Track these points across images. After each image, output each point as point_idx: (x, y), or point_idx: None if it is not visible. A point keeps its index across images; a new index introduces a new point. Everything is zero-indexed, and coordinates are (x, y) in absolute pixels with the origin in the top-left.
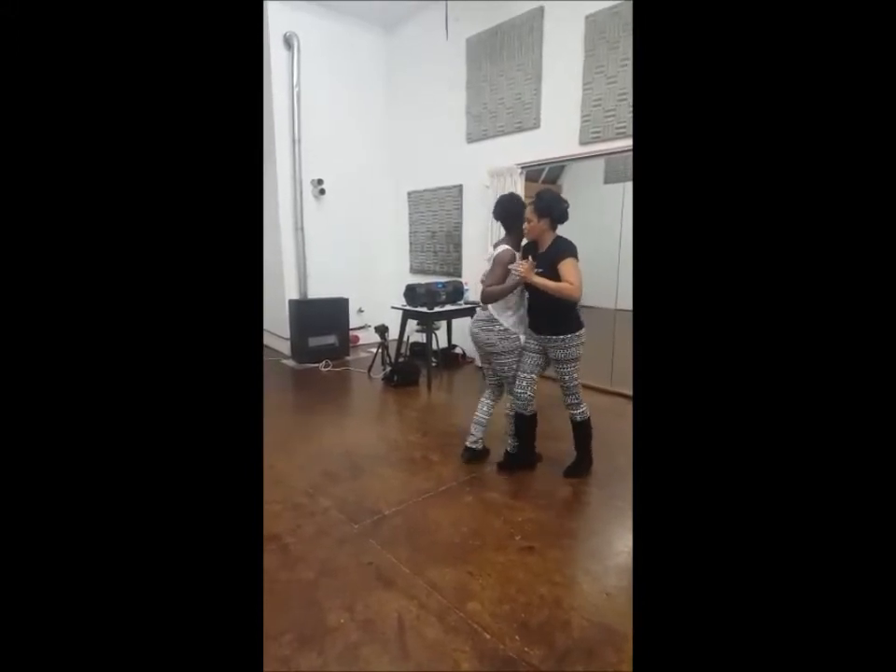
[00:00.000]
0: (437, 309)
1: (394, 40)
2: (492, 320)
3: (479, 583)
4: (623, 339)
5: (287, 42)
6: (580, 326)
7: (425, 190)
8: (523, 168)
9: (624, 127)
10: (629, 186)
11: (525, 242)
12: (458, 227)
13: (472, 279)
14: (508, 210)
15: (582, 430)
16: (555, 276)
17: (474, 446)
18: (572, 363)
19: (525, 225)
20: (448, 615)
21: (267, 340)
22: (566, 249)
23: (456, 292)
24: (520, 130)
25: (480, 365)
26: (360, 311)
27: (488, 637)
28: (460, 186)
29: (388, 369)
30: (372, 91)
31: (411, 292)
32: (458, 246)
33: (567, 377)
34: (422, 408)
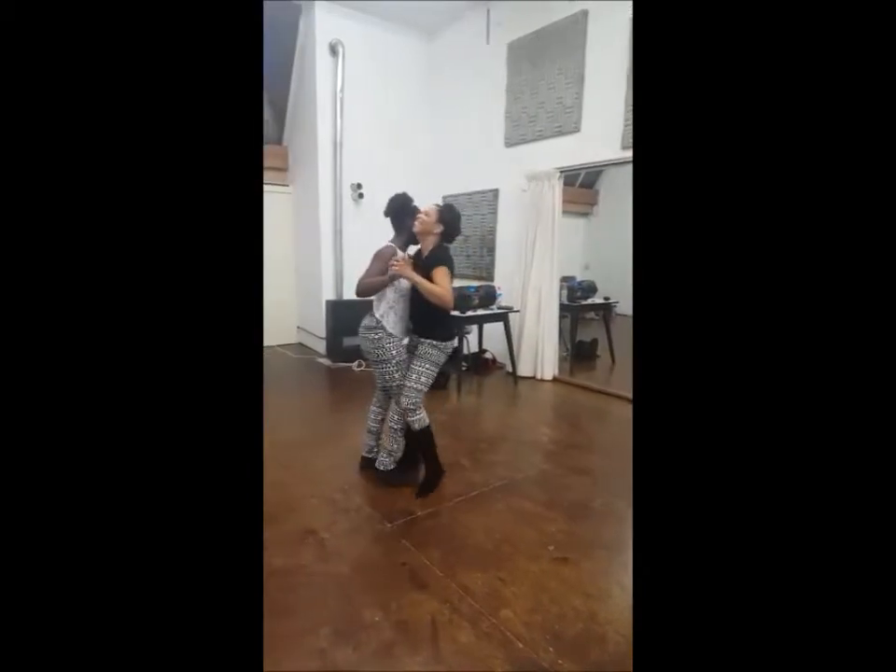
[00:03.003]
0: (469, 313)
1: (435, 45)
2: (371, 328)
3: (511, 591)
4: None
5: (333, 49)
6: (450, 337)
7: (460, 194)
8: (562, 172)
9: None
10: None
11: (414, 249)
12: (492, 231)
13: (505, 283)
14: (397, 208)
15: (426, 437)
16: (430, 282)
17: (369, 455)
18: (428, 364)
19: (421, 217)
20: (481, 621)
21: (305, 339)
22: (443, 259)
23: (488, 296)
24: (560, 134)
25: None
26: None
27: (521, 645)
28: (496, 190)
29: None
30: (413, 95)
31: None
32: (492, 251)
33: (417, 376)
34: (451, 412)
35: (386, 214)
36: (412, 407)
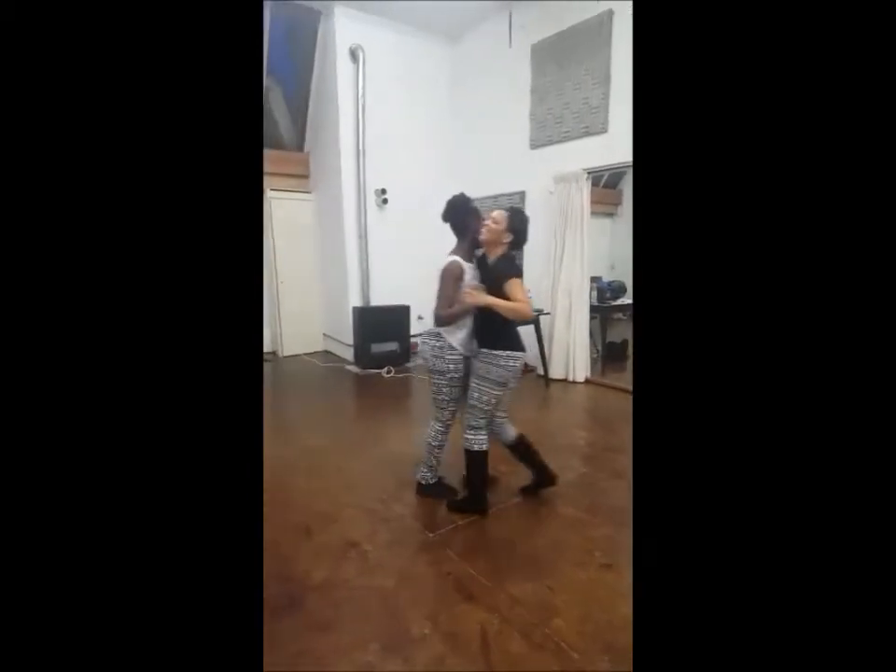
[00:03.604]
0: None
1: (458, 49)
2: (434, 334)
3: (561, 600)
4: None
5: (353, 55)
6: (517, 346)
7: (486, 198)
8: (589, 173)
9: None
10: None
11: (479, 251)
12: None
13: (534, 286)
14: (459, 211)
15: (476, 462)
16: (499, 292)
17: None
18: (489, 383)
19: (489, 224)
20: (532, 631)
21: (331, 346)
22: (514, 269)
23: None
24: (587, 134)
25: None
26: (420, 318)
27: (577, 656)
28: (522, 192)
29: None
30: (436, 99)
31: None
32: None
33: (478, 395)
34: None
35: (446, 218)
36: (474, 424)
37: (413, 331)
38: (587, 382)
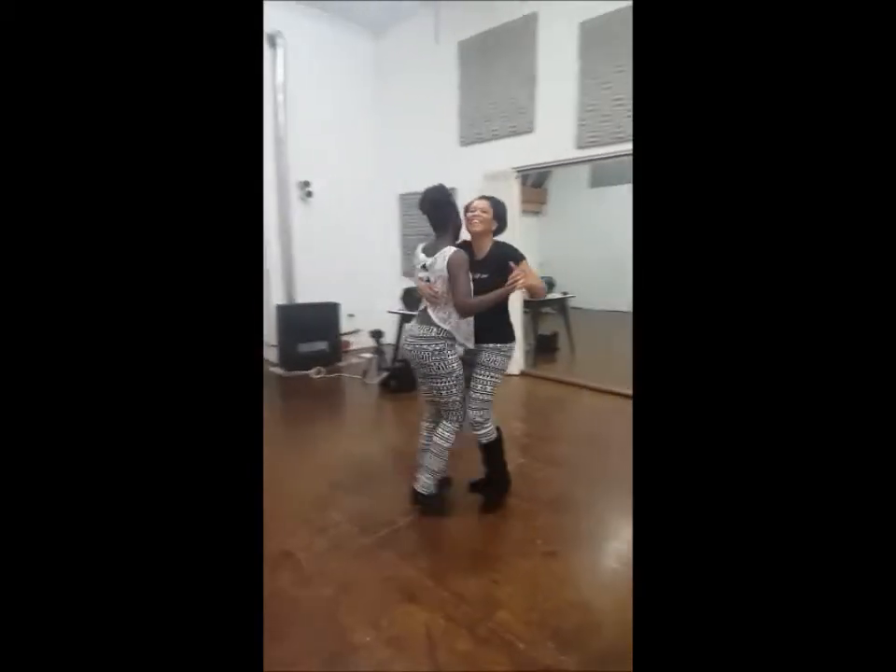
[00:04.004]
0: None
1: (384, 43)
2: (428, 338)
3: (505, 592)
4: (618, 340)
5: (272, 40)
6: (514, 337)
7: (417, 193)
8: (519, 172)
9: (621, 131)
10: (617, 189)
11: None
12: None
13: None
14: (440, 203)
15: (497, 450)
16: (502, 281)
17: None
18: (493, 372)
19: (479, 214)
20: (478, 626)
21: None
22: (517, 252)
23: None
24: (514, 133)
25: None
26: (351, 315)
27: (522, 646)
28: (454, 189)
29: (385, 374)
30: (362, 92)
31: (408, 296)
32: None
33: (483, 386)
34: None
35: (426, 210)
36: (480, 420)
37: (343, 329)
38: (522, 374)
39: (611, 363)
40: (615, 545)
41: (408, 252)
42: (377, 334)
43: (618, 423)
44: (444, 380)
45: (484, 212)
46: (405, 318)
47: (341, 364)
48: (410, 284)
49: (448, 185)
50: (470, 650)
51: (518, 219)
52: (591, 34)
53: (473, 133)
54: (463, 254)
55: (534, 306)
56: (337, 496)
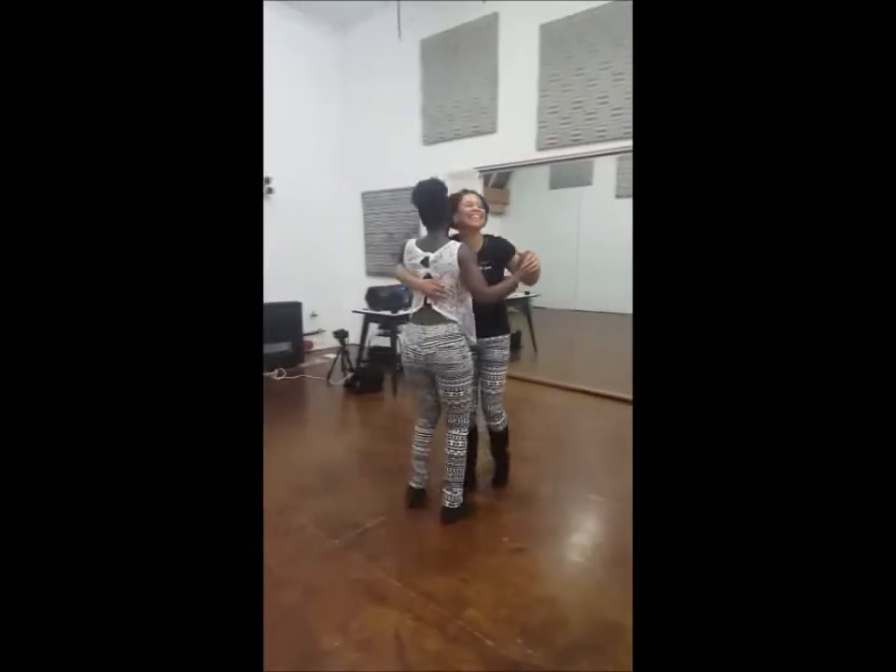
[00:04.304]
0: (401, 312)
1: (346, 38)
2: (453, 335)
3: (474, 589)
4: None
5: None
6: (509, 329)
7: (381, 191)
8: (481, 172)
9: (580, 134)
10: (575, 191)
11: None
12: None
13: None
14: (437, 196)
15: (503, 439)
16: (501, 273)
17: (420, 486)
18: (503, 367)
19: (478, 209)
20: (447, 625)
21: None
22: (510, 244)
23: None
24: (477, 133)
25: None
26: (314, 315)
27: (490, 643)
28: None
29: (350, 375)
30: (323, 88)
31: (373, 296)
32: None
33: (498, 381)
34: (390, 414)
35: (420, 202)
36: (498, 412)
37: (305, 329)
38: None
39: (574, 361)
40: (579, 540)
41: (371, 250)
42: (341, 334)
43: (581, 420)
44: (465, 379)
45: (478, 206)
46: (370, 318)
47: (304, 365)
48: (374, 283)
49: (411, 183)
50: (440, 649)
51: None
52: (551, 36)
53: (436, 132)
54: (468, 246)
55: None
56: (302, 499)
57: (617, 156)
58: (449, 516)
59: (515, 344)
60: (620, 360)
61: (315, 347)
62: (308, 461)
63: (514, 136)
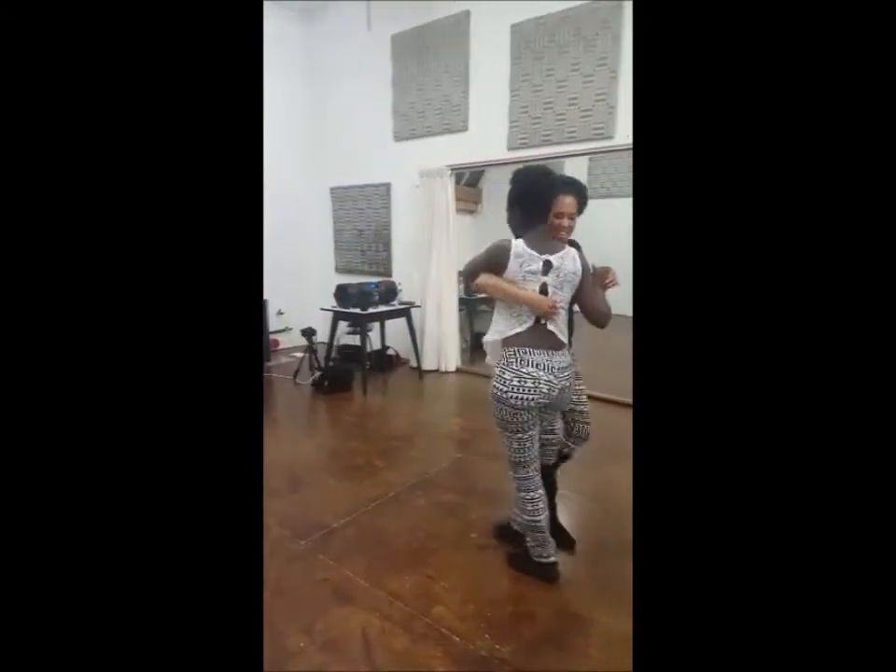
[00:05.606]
0: (370, 310)
1: (314, 28)
2: (571, 365)
3: (441, 586)
4: None
5: None
6: None
7: (350, 187)
8: (453, 170)
9: (550, 134)
10: None
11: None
12: (387, 226)
13: (404, 279)
14: (546, 188)
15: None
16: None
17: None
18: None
19: (567, 222)
20: (414, 623)
21: None
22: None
23: (389, 292)
24: (448, 131)
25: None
26: (280, 313)
27: (458, 639)
28: (388, 184)
29: (318, 374)
30: (290, 79)
31: (342, 293)
32: (388, 245)
33: (583, 396)
34: (358, 413)
35: (531, 193)
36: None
37: (271, 327)
38: (458, 371)
39: None
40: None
41: (341, 247)
42: (309, 332)
43: None
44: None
45: (572, 217)
46: (339, 316)
47: (270, 364)
48: (344, 280)
49: (383, 180)
50: (407, 647)
51: (451, 217)
52: (522, 36)
53: (407, 128)
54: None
55: (470, 304)
56: (268, 500)
57: (588, 157)
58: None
59: None
60: (591, 360)
61: (282, 346)
62: (274, 461)
63: (486, 135)
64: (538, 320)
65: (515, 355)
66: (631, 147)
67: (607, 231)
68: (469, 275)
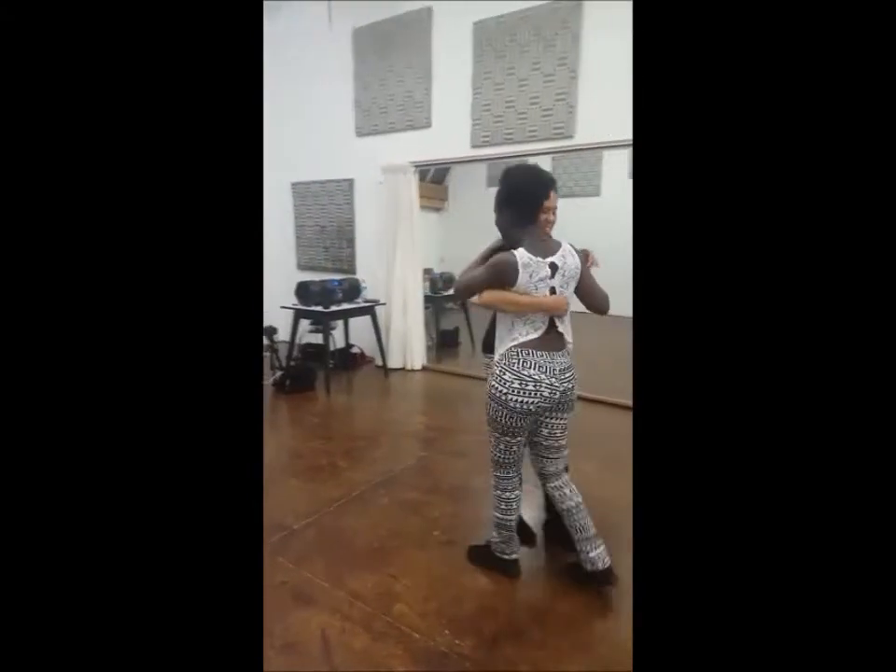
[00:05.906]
0: (333, 308)
1: (276, 24)
2: (573, 367)
3: (402, 585)
4: None
5: None
6: None
7: (312, 182)
8: (416, 167)
9: (512, 133)
10: None
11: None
12: (350, 222)
13: (368, 276)
14: (539, 187)
15: None
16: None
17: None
18: None
19: (553, 217)
20: (374, 622)
21: None
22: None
23: (353, 290)
24: (411, 128)
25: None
26: None
27: (418, 636)
28: (351, 180)
29: (279, 373)
30: None
31: (304, 290)
32: (352, 242)
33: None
34: (322, 412)
35: (507, 195)
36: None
37: None
38: (424, 369)
39: None
40: None
41: (303, 243)
42: (270, 331)
43: None
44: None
45: (554, 210)
46: (300, 314)
47: None
48: (306, 277)
49: (344, 175)
50: (367, 646)
51: (415, 214)
52: (483, 34)
53: (370, 124)
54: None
55: (436, 302)
56: None
57: (551, 156)
58: (607, 578)
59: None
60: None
61: None
62: None
63: (449, 132)
64: (552, 324)
65: (518, 356)
66: (592, 146)
67: (569, 229)
68: (465, 292)
